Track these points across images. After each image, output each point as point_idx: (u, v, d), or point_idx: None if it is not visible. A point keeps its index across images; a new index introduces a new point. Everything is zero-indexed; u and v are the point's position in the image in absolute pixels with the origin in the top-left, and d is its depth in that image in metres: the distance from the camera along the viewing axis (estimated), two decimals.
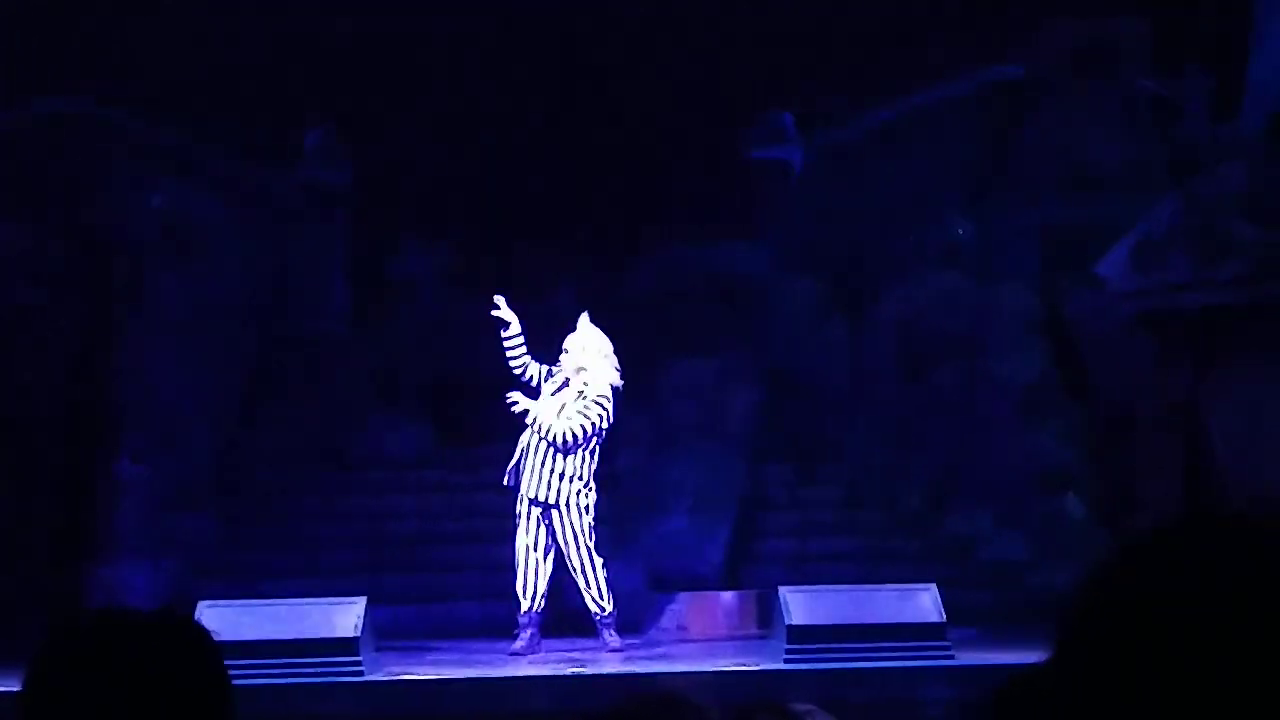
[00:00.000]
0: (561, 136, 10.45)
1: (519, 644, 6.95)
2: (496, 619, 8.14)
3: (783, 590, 6.41)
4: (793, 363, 9.75)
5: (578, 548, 6.94)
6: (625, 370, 7.14)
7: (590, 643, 7.14)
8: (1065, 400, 9.36)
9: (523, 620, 6.99)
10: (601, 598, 6.97)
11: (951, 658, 6.22)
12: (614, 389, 6.94)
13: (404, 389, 10.01)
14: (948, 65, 10.16)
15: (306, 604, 6.32)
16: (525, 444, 6.94)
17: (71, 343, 9.41)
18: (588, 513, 6.97)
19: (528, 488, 6.93)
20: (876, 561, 8.64)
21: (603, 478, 7.25)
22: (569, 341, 7.03)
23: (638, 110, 10.45)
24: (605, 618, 7.00)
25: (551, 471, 6.91)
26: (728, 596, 8.42)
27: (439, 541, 9.12)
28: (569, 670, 6.36)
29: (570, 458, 6.89)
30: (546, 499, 6.92)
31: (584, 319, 7.09)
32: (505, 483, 7.01)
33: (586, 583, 6.95)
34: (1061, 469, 9.12)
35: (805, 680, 5.87)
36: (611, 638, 6.99)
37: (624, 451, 8.89)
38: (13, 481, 9.05)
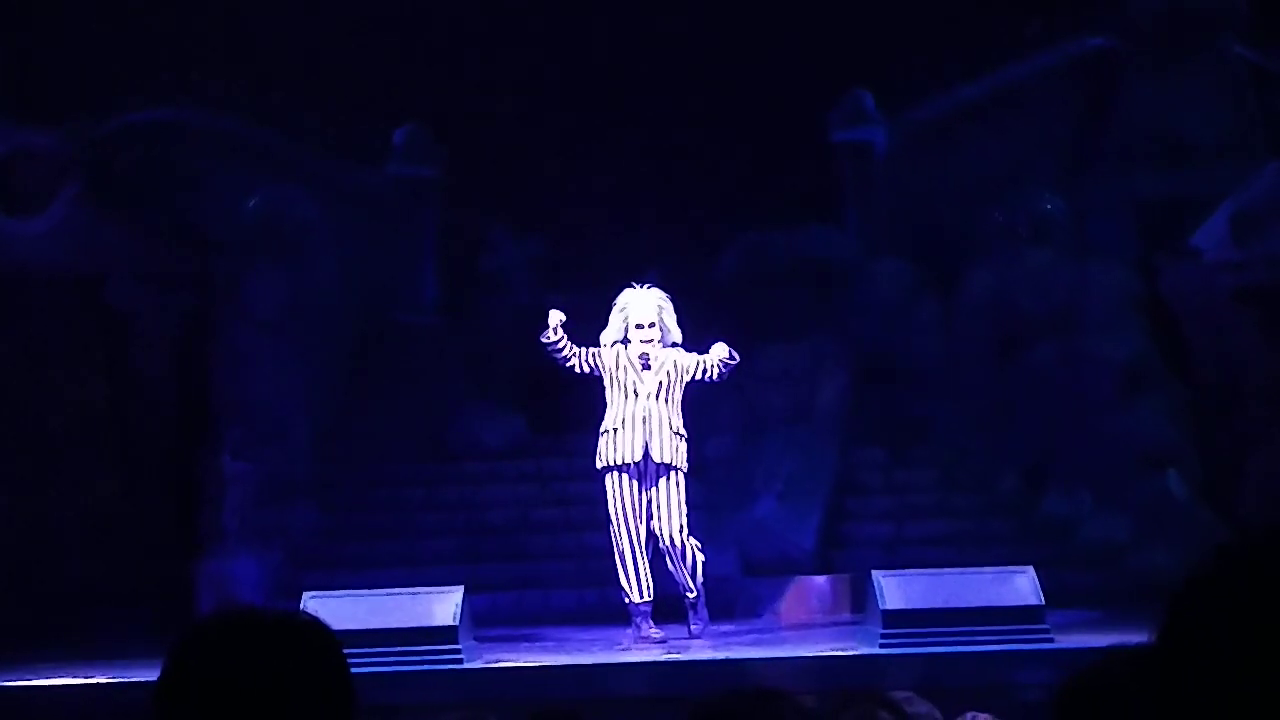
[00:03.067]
0: (646, 124, 10.46)
1: (655, 633, 6.66)
2: (591, 606, 8.22)
3: (876, 574, 6.36)
4: (883, 345, 9.65)
5: (681, 514, 6.65)
6: None
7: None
8: (1166, 377, 9.14)
9: (644, 610, 6.69)
10: (695, 576, 6.69)
11: (1051, 641, 6.12)
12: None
13: (496, 379, 10.12)
14: (1035, 38, 9.95)
15: (407, 594, 6.45)
16: (638, 414, 6.61)
17: (175, 342, 9.70)
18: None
19: (659, 453, 6.56)
20: (973, 544, 8.53)
21: (693, 464, 7.05)
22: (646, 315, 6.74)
23: (720, 95, 10.42)
24: (693, 600, 6.79)
25: (674, 433, 6.65)
26: (821, 581, 8.39)
27: (534, 530, 9.23)
28: (664, 656, 6.40)
29: (679, 416, 6.66)
30: (673, 461, 6.62)
31: (635, 290, 6.80)
32: (622, 460, 6.58)
33: (682, 556, 6.65)
34: (1162, 447, 8.92)
35: (901, 665, 5.83)
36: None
37: (714, 438, 8.91)
38: (122, 478, 9.36)
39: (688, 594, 6.80)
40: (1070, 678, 1.80)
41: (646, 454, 6.66)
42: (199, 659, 1.42)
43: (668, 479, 6.69)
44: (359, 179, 10.69)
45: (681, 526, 6.71)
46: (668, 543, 6.69)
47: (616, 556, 6.73)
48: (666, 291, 7.00)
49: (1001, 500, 9.15)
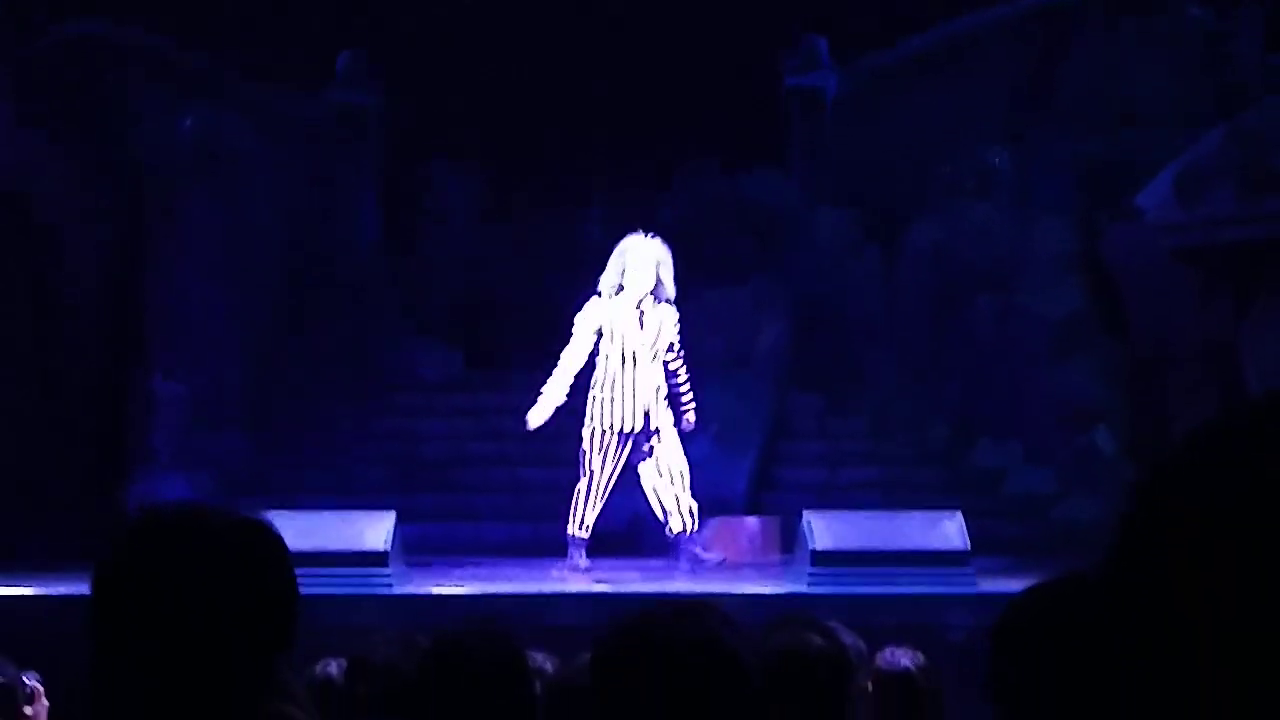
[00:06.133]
0: (592, 63, 10.34)
1: (583, 562, 6.92)
2: (524, 540, 8.23)
3: (807, 514, 6.44)
4: (823, 293, 9.69)
5: (679, 460, 6.87)
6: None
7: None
8: (1100, 335, 9.27)
9: (580, 542, 6.95)
10: (692, 515, 6.96)
11: (975, 585, 6.24)
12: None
13: (434, 312, 10.04)
14: None
15: (338, 516, 6.42)
16: (627, 382, 6.73)
17: (105, 264, 9.50)
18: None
19: (654, 418, 6.77)
20: (903, 491, 8.64)
21: None
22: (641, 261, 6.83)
23: (669, 37, 10.32)
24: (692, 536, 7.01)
25: (662, 397, 6.81)
26: (751, 521, 8.45)
27: (469, 464, 9.21)
28: (595, 587, 6.44)
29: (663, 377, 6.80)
30: (664, 424, 6.81)
31: (638, 237, 6.94)
32: (613, 429, 6.74)
33: (678, 502, 6.91)
34: (1093, 404, 9.06)
35: (828, 604, 5.88)
36: (704, 553, 7.00)
37: None
38: (51, 400, 9.19)
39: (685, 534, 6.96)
40: (1008, 608, 1.80)
41: (641, 419, 6.80)
42: (142, 549, 1.37)
43: (660, 440, 6.87)
44: (298, 105, 10.48)
45: (684, 486, 6.93)
46: (670, 504, 6.92)
47: (578, 492, 6.82)
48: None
49: (932, 449, 9.26)
